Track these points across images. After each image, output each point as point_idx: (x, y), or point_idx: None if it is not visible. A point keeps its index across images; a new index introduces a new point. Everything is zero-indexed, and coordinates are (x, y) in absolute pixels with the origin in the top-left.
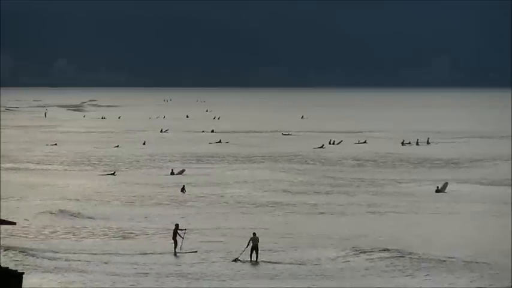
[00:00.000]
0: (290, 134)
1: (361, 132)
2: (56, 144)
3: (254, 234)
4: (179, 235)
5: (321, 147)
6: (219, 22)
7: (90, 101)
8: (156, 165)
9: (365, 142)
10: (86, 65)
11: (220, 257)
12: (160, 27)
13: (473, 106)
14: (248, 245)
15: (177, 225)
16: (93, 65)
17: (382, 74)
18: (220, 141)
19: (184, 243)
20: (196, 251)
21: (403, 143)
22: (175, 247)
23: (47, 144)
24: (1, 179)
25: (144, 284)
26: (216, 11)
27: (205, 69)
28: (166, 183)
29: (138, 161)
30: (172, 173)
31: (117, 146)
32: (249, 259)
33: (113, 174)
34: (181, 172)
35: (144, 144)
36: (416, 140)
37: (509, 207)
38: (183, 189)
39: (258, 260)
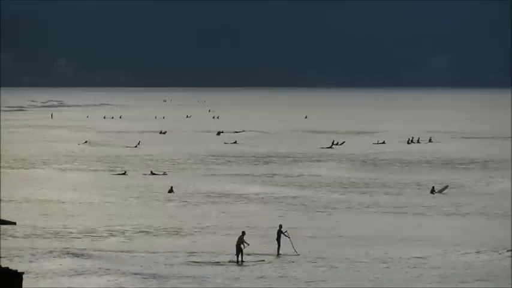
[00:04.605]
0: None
1: (366, 132)
2: (86, 142)
3: (243, 233)
4: (284, 235)
5: (330, 147)
6: (219, 22)
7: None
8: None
9: (384, 143)
10: (86, 65)
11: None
12: (160, 27)
13: (473, 106)
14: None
15: (280, 226)
16: (93, 65)
17: (382, 74)
18: (235, 142)
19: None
20: (299, 254)
21: (408, 142)
22: (278, 248)
23: (79, 144)
24: (2, 178)
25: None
26: (216, 11)
27: (205, 69)
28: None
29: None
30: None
31: (135, 146)
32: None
33: (124, 174)
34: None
35: (138, 143)
36: (417, 139)
37: (508, 206)
38: (171, 190)
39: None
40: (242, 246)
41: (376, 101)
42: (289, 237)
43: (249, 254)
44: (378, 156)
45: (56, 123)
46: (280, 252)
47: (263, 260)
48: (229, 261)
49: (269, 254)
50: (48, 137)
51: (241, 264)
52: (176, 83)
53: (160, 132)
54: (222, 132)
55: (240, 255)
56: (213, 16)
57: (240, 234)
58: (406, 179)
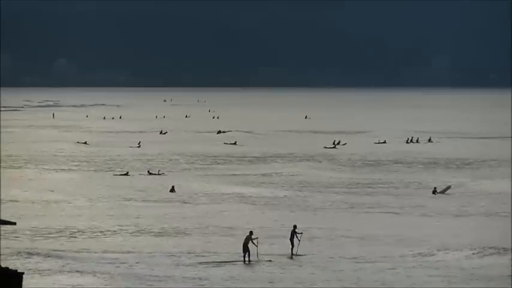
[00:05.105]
0: (230, 131)
1: (367, 132)
2: (86, 142)
3: (250, 233)
4: (296, 237)
5: (334, 147)
6: (219, 22)
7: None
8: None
9: (384, 142)
10: (86, 65)
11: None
12: (160, 27)
13: (473, 106)
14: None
15: (295, 226)
16: (93, 65)
17: (382, 74)
18: (235, 143)
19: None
20: (315, 254)
21: (407, 141)
22: (292, 249)
23: (79, 142)
24: (0, 178)
25: None
26: (216, 11)
27: (205, 69)
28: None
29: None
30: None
31: (139, 146)
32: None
33: (126, 174)
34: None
35: (139, 144)
36: (417, 138)
37: (508, 207)
38: (172, 190)
39: (251, 259)
40: (255, 244)
41: (376, 101)
42: (299, 240)
43: (256, 254)
44: (380, 156)
45: (56, 124)
46: (294, 252)
47: (270, 261)
48: (232, 261)
49: (277, 254)
50: (49, 137)
51: (249, 263)
52: (176, 83)
53: (161, 133)
54: (224, 131)
55: (247, 255)
56: (213, 16)
57: (248, 233)
58: (407, 179)
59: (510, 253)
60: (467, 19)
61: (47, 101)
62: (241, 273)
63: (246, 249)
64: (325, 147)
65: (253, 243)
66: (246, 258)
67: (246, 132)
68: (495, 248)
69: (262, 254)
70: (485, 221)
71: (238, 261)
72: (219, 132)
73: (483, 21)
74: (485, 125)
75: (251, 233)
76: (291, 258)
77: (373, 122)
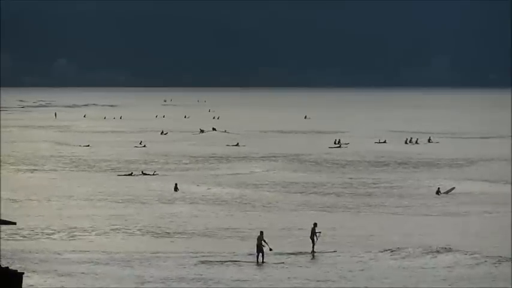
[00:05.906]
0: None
1: (366, 131)
2: (87, 142)
3: (261, 233)
4: (315, 235)
5: (338, 146)
6: (219, 22)
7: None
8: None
9: (385, 142)
10: (86, 65)
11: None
12: (160, 27)
13: (473, 106)
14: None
15: (315, 224)
16: (93, 65)
17: (382, 74)
18: (237, 144)
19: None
20: (335, 251)
21: (406, 142)
22: (313, 247)
23: (80, 145)
24: (0, 179)
25: None
26: (216, 11)
27: (205, 69)
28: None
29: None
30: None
31: (144, 146)
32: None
33: (131, 174)
34: None
35: (140, 143)
36: (416, 139)
37: (508, 207)
38: (175, 188)
39: (264, 260)
40: (265, 246)
41: (376, 101)
42: (317, 239)
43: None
44: (381, 157)
45: (57, 124)
46: (315, 250)
47: (282, 262)
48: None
49: (284, 254)
50: (50, 137)
51: (262, 264)
52: (176, 83)
53: (162, 133)
54: (203, 131)
55: (260, 255)
56: (213, 16)
57: (259, 234)
58: (410, 179)
59: (511, 253)
60: (467, 19)
61: (41, 100)
62: (249, 274)
63: (259, 249)
64: (329, 147)
65: (264, 243)
66: (260, 259)
67: (244, 132)
68: (496, 248)
69: (268, 255)
70: (486, 222)
71: (244, 261)
72: (214, 129)
73: (483, 21)
74: (485, 125)
75: (261, 233)
76: (313, 257)
77: (372, 121)
